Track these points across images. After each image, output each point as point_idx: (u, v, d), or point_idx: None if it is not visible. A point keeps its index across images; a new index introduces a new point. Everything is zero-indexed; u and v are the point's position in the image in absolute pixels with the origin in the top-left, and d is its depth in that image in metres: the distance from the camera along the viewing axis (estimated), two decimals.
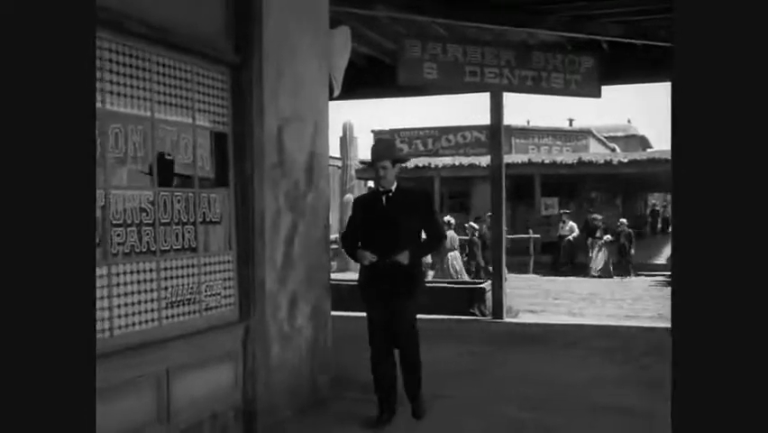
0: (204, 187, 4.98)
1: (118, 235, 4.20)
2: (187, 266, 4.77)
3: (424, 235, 5.49)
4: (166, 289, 4.56)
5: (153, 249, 4.46)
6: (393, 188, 5.38)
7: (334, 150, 20.65)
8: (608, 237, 19.62)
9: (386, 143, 5.39)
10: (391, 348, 5.43)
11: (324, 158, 6.30)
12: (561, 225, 21.11)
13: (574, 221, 21.10)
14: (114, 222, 4.18)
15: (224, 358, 5.02)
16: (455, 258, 15.37)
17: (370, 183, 28.54)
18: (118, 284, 4.17)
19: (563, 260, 20.63)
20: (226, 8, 5.14)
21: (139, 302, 4.33)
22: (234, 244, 5.18)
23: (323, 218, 6.27)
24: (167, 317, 4.54)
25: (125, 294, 4.23)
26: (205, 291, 4.92)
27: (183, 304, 4.71)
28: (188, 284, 4.77)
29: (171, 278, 4.61)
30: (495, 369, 7.47)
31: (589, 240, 19.91)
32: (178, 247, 4.69)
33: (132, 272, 4.29)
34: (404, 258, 5.18)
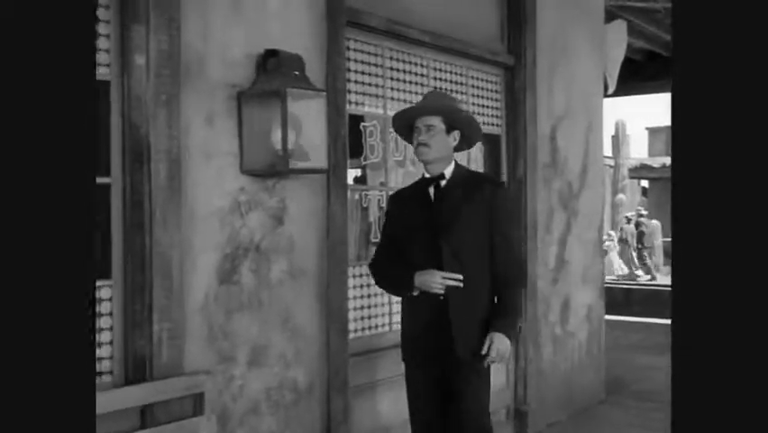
0: None
1: None
2: None
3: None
4: None
5: None
6: (448, 172, 3.23)
7: (606, 149, 20.06)
8: None
9: (438, 94, 3.50)
10: None
11: (598, 156, 6.14)
12: None
13: None
14: None
15: None
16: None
17: (644, 183, 27.19)
18: None
19: None
20: (500, 10, 5.19)
21: None
22: None
23: (596, 219, 6.10)
24: None
25: None
26: None
27: None
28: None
29: None
30: None
31: None
32: None
33: None
34: (502, 350, 3.04)
